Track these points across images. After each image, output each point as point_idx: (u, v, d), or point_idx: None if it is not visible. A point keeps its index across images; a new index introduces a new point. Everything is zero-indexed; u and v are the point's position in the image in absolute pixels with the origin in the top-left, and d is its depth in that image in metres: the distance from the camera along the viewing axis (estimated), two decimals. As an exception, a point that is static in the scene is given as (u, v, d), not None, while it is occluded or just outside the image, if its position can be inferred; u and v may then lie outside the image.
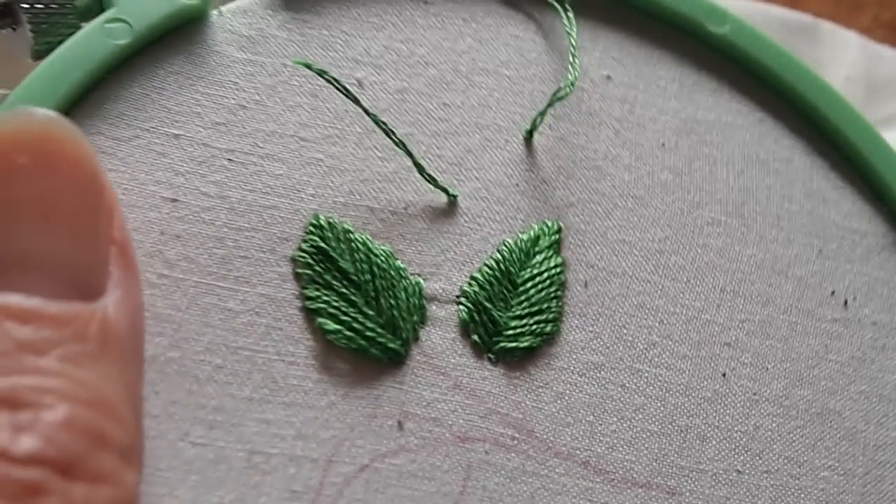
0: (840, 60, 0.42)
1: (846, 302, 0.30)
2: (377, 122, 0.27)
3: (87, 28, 0.27)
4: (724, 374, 0.28)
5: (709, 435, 0.28)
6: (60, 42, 0.27)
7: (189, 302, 0.26)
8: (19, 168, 0.22)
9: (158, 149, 0.27)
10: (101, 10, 0.28)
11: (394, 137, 0.28)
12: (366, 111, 0.27)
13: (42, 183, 0.22)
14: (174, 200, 0.26)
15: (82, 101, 0.26)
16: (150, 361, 0.25)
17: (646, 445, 0.27)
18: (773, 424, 0.28)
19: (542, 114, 0.29)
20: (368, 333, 0.26)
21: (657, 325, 0.28)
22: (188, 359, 0.25)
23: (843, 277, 0.30)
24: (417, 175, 0.28)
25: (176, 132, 0.27)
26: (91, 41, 0.27)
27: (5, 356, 0.21)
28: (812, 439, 0.28)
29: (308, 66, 0.27)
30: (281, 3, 0.29)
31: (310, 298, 0.26)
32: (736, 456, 0.28)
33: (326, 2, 0.30)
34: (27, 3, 0.27)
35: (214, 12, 0.29)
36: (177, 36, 0.28)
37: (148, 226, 0.26)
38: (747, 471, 0.27)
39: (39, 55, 0.28)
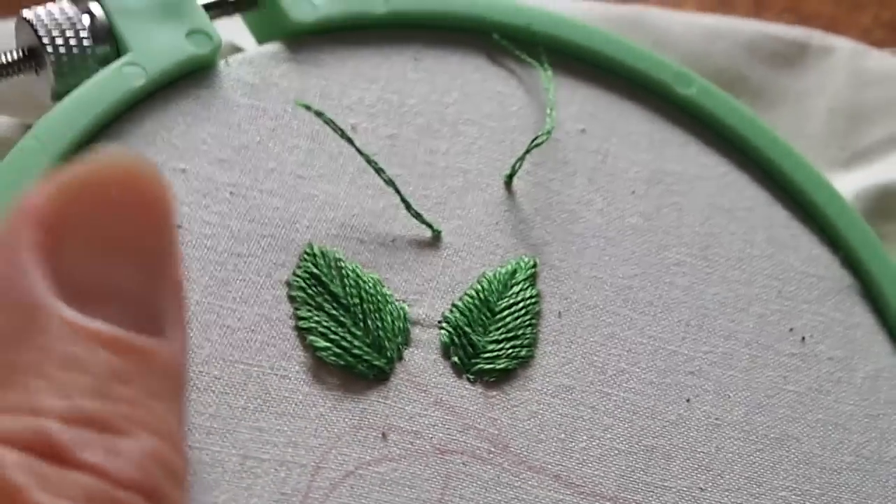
0: (823, 91, 0.43)
1: (804, 338, 0.32)
2: (369, 161, 0.30)
3: (106, 70, 0.30)
4: (688, 400, 0.30)
5: (673, 455, 0.29)
6: (78, 85, 0.30)
7: (190, 318, 0.28)
8: (113, 202, 0.23)
9: (166, 181, 0.29)
10: (118, 57, 0.31)
11: (384, 176, 0.30)
12: (359, 151, 0.30)
13: (130, 218, 0.23)
14: (179, 227, 0.29)
15: (99, 134, 0.29)
16: (152, 370, 0.27)
17: (614, 462, 0.29)
18: (735, 447, 0.30)
19: (521, 159, 0.32)
20: (356, 351, 0.28)
21: (626, 353, 0.30)
22: (189, 369, 0.27)
23: (801, 316, 0.32)
24: (405, 212, 0.30)
25: (183, 166, 0.29)
26: (109, 82, 0.29)
27: (98, 379, 0.21)
28: (771, 462, 0.30)
29: (308, 108, 0.30)
30: (283, 56, 0.32)
31: (302, 318, 0.28)
32: (699, 475, 0.29)
33: (325, 56, 0.32)
34: (52, 48, 0.30)
35: (222, 62, 0.31)
36: (187, 81, 0.31)
37: None
38: (709, 489, 0.29)
39: (58, 97, 0.30)
